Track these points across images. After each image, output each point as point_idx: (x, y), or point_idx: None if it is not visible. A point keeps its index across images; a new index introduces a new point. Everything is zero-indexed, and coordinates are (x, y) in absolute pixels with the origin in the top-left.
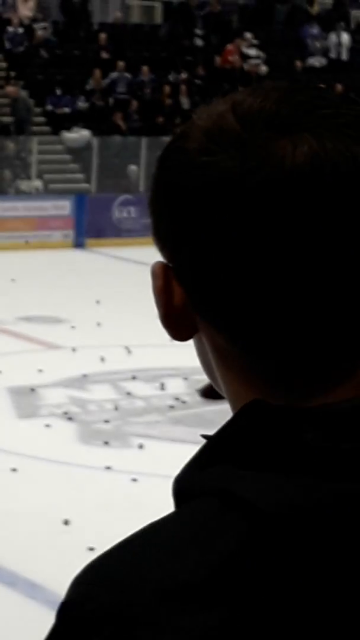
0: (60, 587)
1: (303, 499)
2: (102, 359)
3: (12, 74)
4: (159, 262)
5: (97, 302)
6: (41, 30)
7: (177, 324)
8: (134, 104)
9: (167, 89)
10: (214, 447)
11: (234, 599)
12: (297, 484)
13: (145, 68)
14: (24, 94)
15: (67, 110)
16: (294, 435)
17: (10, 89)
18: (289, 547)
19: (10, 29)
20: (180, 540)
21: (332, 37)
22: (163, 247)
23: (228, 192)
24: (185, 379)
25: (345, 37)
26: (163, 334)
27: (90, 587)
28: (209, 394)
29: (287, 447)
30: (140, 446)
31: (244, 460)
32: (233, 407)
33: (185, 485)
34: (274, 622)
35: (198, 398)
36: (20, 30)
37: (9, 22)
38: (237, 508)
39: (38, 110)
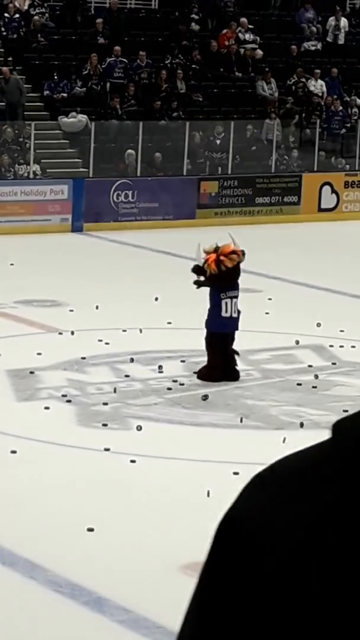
0: (60, 567)
1: None
2: (100, 342)
3: (9, 59)
4: None
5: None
6: (38, 16)
7: None
8: (131, 88)
9: (163, 73)
10: None
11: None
12: None
13: (141, 53)
14: (15, 75)
15: (64, 95)
16: None
17: (4, 69)
18: None
19: (7, 14)
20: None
21: (330, 21)
22: None
23: None
24: (183, 361)
25: (342, 21)
26: (160, 317)
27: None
28: (206, 376)
29: None
30: (139, 428)
31: None
32: None
33: (335, 425)
34: None
35: (195, 380)
36: (17, 15)
37: (6, 7)
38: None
39: (35, 95)
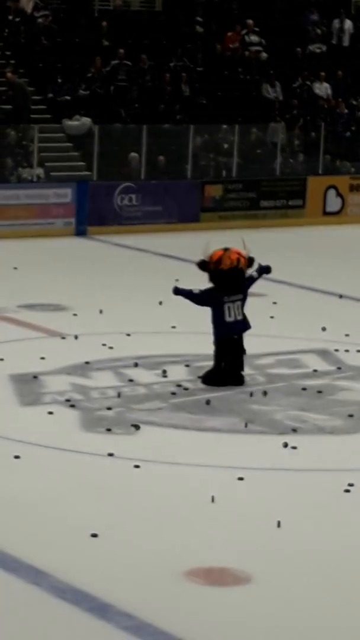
0: (64, 574)
1: None
2: (104, 346)
3: (12, 62)
4: None
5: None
6: (42, 18)
7: None
8: (135, 91)
9: (167, 76)
10: None
11: None
12: None
13: (143, 56)
14: (19, 80)
15: (68, 98)
16: None
17: (9, 74)
18: None
19: (10, 16)
20: None
21: (335, 24)
22: None
23: None
24: (187, 365)
25: (347, 23)
26: (165, 321)
27: None
28: (210, 380)
29: None
30: (137, 427)
31: None
32: None
33: None
34: None
35: (200, 385)
36: (18, 19)
37: (9, 9)
38: None
39: (39, 98)
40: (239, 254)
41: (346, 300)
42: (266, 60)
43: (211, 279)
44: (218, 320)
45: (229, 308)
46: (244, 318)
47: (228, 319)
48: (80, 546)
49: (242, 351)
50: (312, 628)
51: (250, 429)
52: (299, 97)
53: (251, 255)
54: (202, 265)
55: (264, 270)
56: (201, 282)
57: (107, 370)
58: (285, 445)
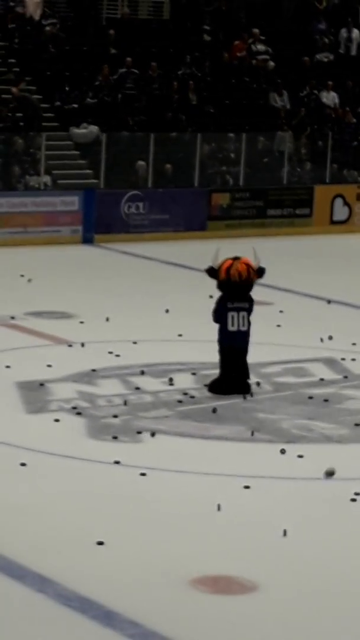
0: (70, 581)
1: None
2: (111, 354)
3: (18, 69)
4: None
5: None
6: (49, 26)
7: None
8: (142, 99)
9: (175, 84)
10: None
11: None
12: None
13: (153, 64)
14: (25, 93)
15: (75, 106)
16: None
17: (14, 90)
18: None
19: (13, 25)
20: None
21: (342, 33)
22: None
23: None
24: (194, 374)
25: (355, 33)
26: (171, 329)
27: None
28: (217, 389)
29: None
30: (149, 440)
31: None
32: None
33: None
34: None
35: (206, 393)
36: (29, 25)
37: (16, 18)
38: None
39: (47, 106)
40: (247, 264)
41: (353, 309)
42: (273, 69)
43: (219, 287)
44: (221, 328)
45: (232, 317)
46: (249, 329)
47: (231, 328)
48: (86, 554)
49: (245, 363)
50: (318, 636)
51: (257, 437)
52: (307, 106)
53: (262, 265)
54: (211, 272)
55: (261, 272)
56: (209, 290)
57: (114, 378)
58: (283, 451)
